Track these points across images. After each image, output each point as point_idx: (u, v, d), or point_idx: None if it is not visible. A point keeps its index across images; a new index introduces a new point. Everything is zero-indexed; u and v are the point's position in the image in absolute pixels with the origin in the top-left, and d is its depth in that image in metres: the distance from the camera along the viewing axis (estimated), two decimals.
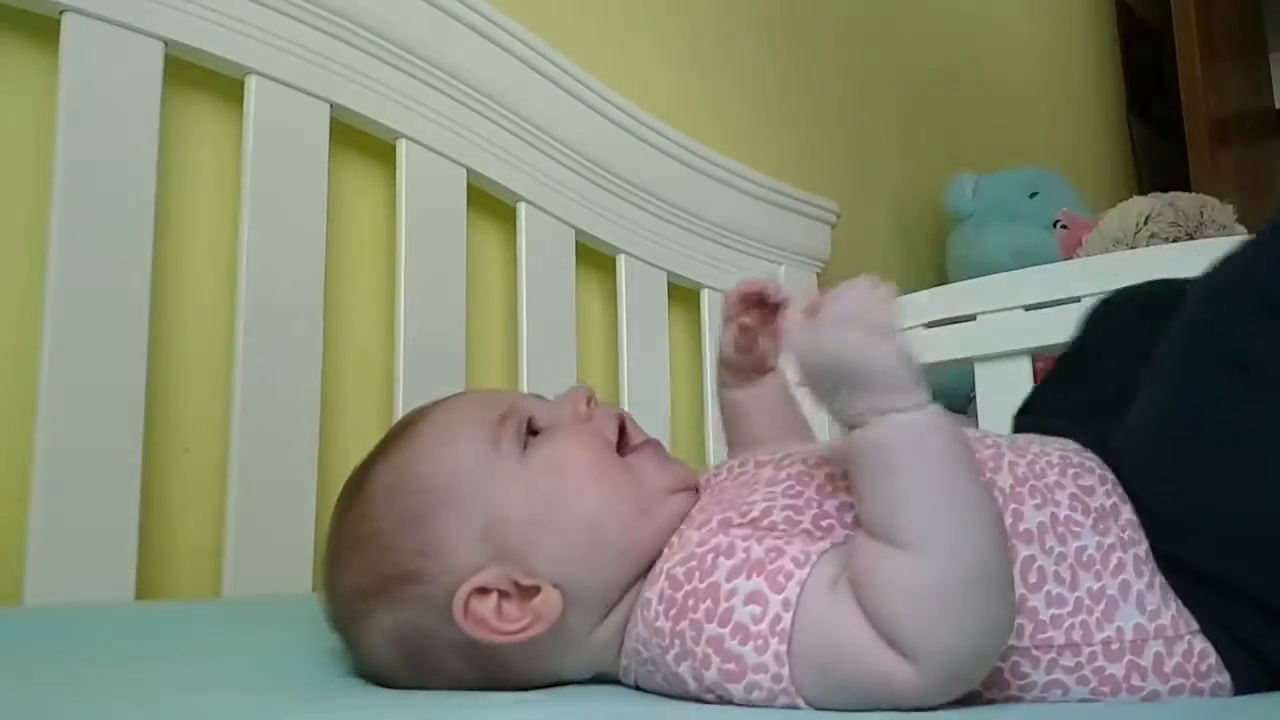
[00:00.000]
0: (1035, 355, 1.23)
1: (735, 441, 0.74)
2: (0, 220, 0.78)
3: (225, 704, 0.50)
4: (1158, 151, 3.10)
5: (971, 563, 0.48)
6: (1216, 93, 2.75)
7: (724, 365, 0.74)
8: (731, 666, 0.49)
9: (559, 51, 1.13)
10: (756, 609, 0.49)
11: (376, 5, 0.96)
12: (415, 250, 0.98)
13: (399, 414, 0.93)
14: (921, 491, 0.49)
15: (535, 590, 0.54)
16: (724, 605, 0.50)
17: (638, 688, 0.56)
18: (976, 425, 1.23)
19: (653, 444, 0.62)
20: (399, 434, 0.60)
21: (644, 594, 0.54)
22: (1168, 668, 0.53)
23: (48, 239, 0.75)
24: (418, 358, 0.96)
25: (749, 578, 0.50)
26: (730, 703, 0.49)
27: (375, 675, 0.57)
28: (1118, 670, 0.52)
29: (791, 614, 0.48)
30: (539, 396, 0.64)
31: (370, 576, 0.55)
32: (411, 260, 0.98)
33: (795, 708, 0.48)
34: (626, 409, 1.14)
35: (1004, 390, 1.17)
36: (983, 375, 1.26)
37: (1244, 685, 0.53)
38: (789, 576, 0.49)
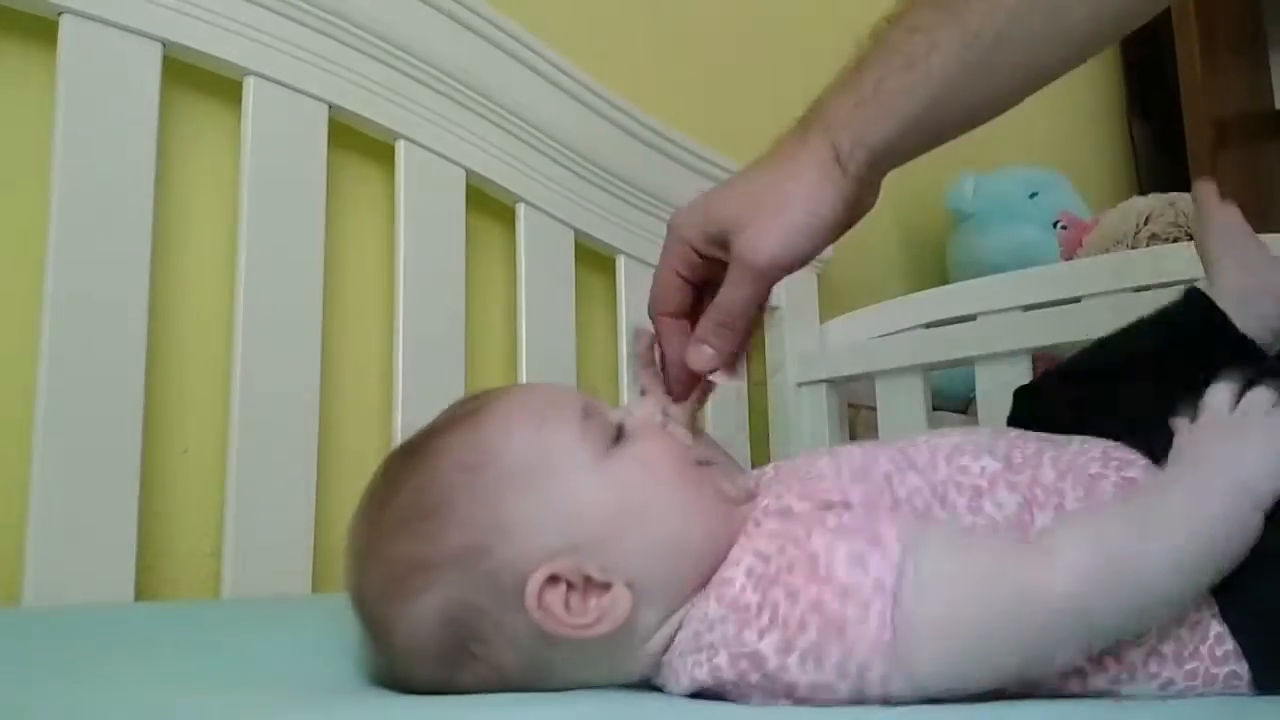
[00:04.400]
0: (1035, 355, 1.23)
1: None
2: None
3: (225, 704, 0.50)
4: (1158, 151, 3.09)
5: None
6: (1217, 93, 2.74)
7: None
8: (831, 631, 0.48)
9: (559, 52, 1.13)
10: (859, 571, 0.49)
11: (375, 6, 0.96)
12: (414, 251, 0.98)
13: (399, 414, 0.94)
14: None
15: (605, 587, 0.53)
16: (823, 568, 0.50)
17: (661, 689, 0.55)
18: (977, 425, 1.23)
19: (720, 461, 0.63)
20: (469, 412, 0.58)
21: (720, 576, 0.53)
22: (1186, 651, 0.52)
23: (46, 240, 0.75)
24: (417, 359, 0.96)
25: (849, 542, 0.50)
26: (818, 679, 0.48)
27: (401, 660, 0.55)
28: (1137, 658, 0.52)
29: (895, 576, 0.49)
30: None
31: (435, 548, 0.53)
32: (410, 261, 0.98)
33: (888, 698, 0.48)
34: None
35: (1004, 390, 1.16)
36: (983, 375, 1.25)
37: (1261, 676, 0.52)
38: (890, 540, 0.50)
